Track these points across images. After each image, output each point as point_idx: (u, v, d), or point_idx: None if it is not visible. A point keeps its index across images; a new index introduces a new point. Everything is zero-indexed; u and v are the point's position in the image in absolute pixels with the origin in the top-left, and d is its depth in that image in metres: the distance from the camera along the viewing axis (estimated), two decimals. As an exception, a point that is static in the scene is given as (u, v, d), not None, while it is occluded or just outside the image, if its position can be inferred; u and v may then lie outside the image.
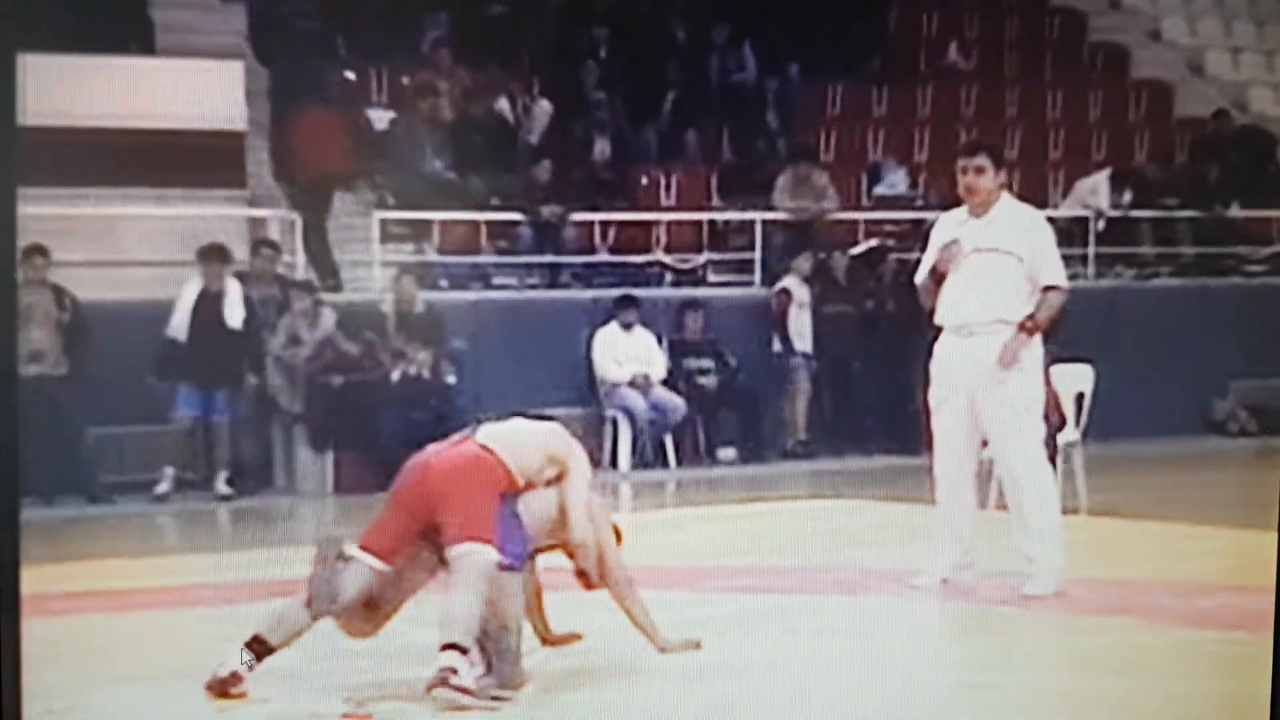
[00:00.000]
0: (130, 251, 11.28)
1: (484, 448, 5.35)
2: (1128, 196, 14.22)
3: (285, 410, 11.05)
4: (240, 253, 11.38)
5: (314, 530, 10.03)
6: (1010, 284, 6.77)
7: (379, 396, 10.97)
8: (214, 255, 10.78)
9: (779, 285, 12.75)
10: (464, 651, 5.07)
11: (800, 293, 12.67)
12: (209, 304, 10.66)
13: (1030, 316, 6.76)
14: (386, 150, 12.88)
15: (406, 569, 5.31)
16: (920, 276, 7.07)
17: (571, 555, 5.51)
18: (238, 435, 10.79)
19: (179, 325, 10.65)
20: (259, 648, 5.16)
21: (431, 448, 5.45)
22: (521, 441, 5.42)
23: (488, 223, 12.78)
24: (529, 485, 5.40)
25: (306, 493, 10.85)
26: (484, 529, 5.20)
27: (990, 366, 6.72)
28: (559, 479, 5.45)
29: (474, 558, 5.15)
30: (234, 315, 10.70)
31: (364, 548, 5.27)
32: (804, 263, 12.77)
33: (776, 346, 12.62)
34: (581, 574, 5.53)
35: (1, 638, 2.11)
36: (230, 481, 10.62)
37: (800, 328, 12.64)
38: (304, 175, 12.21)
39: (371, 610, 5.31)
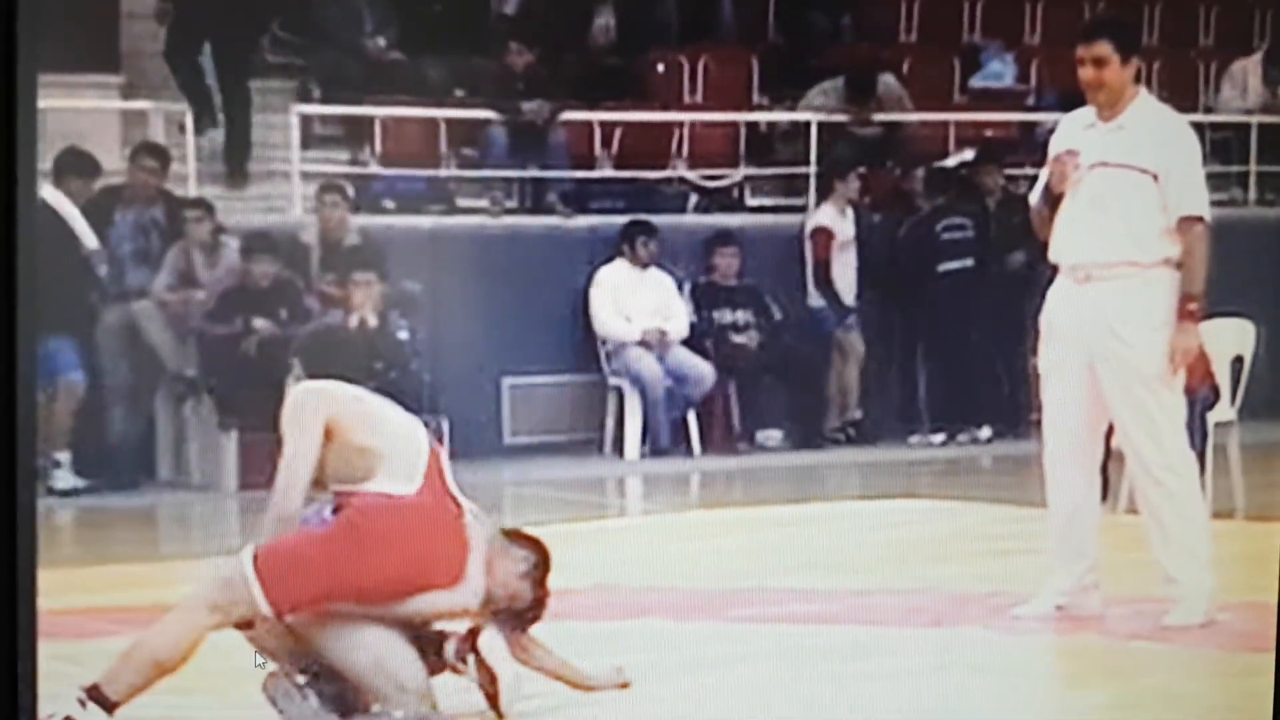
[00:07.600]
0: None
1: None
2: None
3: (173, 374, 11.25)
4: (112, 159, 11.56)
5: (212, 540, 10.24)
6: (1142, 212, 6.94)
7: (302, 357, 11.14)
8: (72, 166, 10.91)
9: (813, 223, 12.87)
10: None
11: (843, 228, 12.82)
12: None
13: (1189, 296, 6.88)
14: (310, 21, 13.03)
15: None
16: (1034, 198, 7.27)
17: None
18: (99, 404, 10.91)
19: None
20: None
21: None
22: None
23: (449, 123, 12.91)
24: None
25: (200, 487, 11.06)
26: None
27: (1112, 322, 6.90)
28: None
29: None
30: (87, 238, 10.81)
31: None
32: (849, 185, 12.90)
33: (815, 301, 12.77)
34: None
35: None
36: (81, 469, 10.67)
37: (845, 273, 12.80)
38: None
39: None
